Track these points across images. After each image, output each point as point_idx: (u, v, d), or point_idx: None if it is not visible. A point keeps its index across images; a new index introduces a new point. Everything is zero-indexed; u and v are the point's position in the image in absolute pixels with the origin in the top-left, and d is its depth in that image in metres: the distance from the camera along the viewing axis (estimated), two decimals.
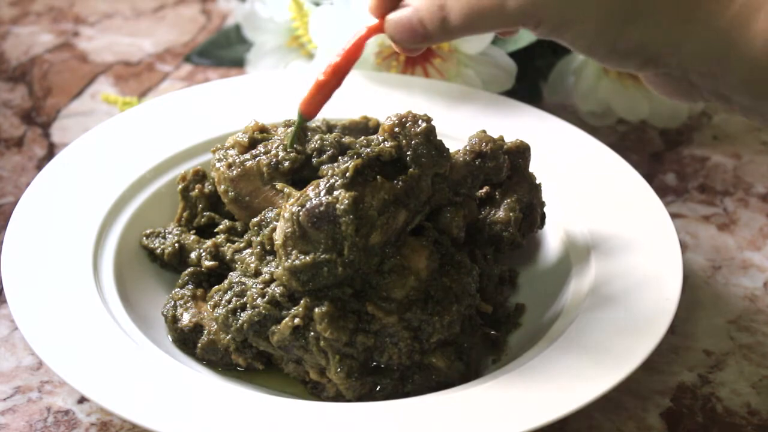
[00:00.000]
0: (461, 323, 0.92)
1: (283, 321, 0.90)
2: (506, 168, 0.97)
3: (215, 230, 1.02)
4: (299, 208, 0.89)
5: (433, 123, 0.92)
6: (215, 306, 0.93)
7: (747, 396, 0.98)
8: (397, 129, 0.92)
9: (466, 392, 0.89)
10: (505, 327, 0.99)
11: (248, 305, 0.91)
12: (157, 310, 0.98)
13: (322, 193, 0.89)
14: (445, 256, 0.93)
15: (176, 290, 0.99)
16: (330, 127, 1.04)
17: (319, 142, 0.96)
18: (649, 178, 1.20)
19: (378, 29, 0.90)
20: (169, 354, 0.93)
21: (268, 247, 0.94)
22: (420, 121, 0.92)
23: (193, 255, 1.01)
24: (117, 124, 1.11)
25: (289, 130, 0.97)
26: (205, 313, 0.96)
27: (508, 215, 0.99)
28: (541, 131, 1.11)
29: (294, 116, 0.96)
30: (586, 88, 1.24)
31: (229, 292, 0.93)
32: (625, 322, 0.93)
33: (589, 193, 1.05)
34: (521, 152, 1.00)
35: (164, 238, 1.03)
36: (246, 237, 0.98)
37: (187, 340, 0.96)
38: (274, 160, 0.96)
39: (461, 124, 1.11)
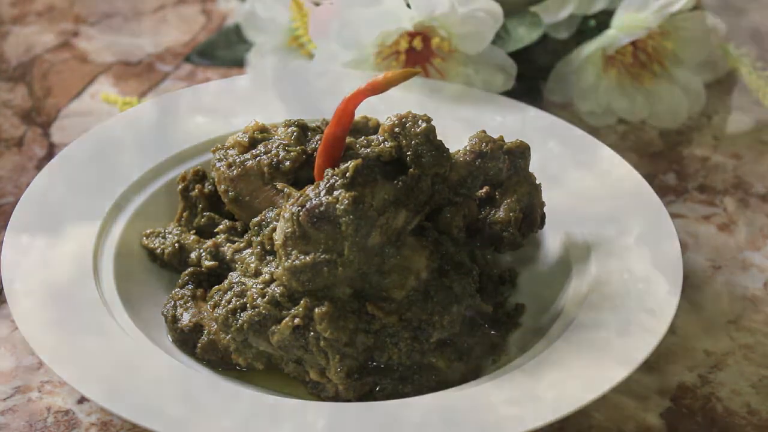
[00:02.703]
0: (461, 323, 0.92)
1: (283, 321, 0.90)
2: (506, 168, 0.97)
3: (215, 230, 1.02)
4: (299, 208, 0.89)
5: (433, 123, 0.92)
6: (215, 306, 0.93)
7: (747, 396, 0.98)
8: (397, 129, 0.92)
9: (466, 392, 0.89)
10: (505, 327, 0.99)
11: (248, 305, 0.91)
12: (157, 310, 0.98)
13: (322, 193, 0.89)
14: (445, 256, 0.93)
15: (176, 290, 0.99)
16: None
17: (319, 142, 0.96)
18: (649, 178, 1.20)
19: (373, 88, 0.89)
20: (169, 354, 0.93)
21: (268, 247, 0.94)
22: (420, 121, 0.92)
23: (193, 255, 1.00)
24: (117, 124, 1.11)
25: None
26: (205, 313, 0.96)
27: (508, 215, 0.98)
28: (541, 131, 1.11)
29: (293, 116, 0.95)
30: (586, 88, 1.24)
31: (229, 292, 0.93)
32: (625, 322, 0.92)
33: (589, 193, 1.05)
34: (521, 152, 1.00)
35: (164, 238, 1.03)
36: (246, 237, 0.98)
37: (187, 340, 0.96)
38: (274, 159, 0.96)
39: (461, 124, 1.11)
